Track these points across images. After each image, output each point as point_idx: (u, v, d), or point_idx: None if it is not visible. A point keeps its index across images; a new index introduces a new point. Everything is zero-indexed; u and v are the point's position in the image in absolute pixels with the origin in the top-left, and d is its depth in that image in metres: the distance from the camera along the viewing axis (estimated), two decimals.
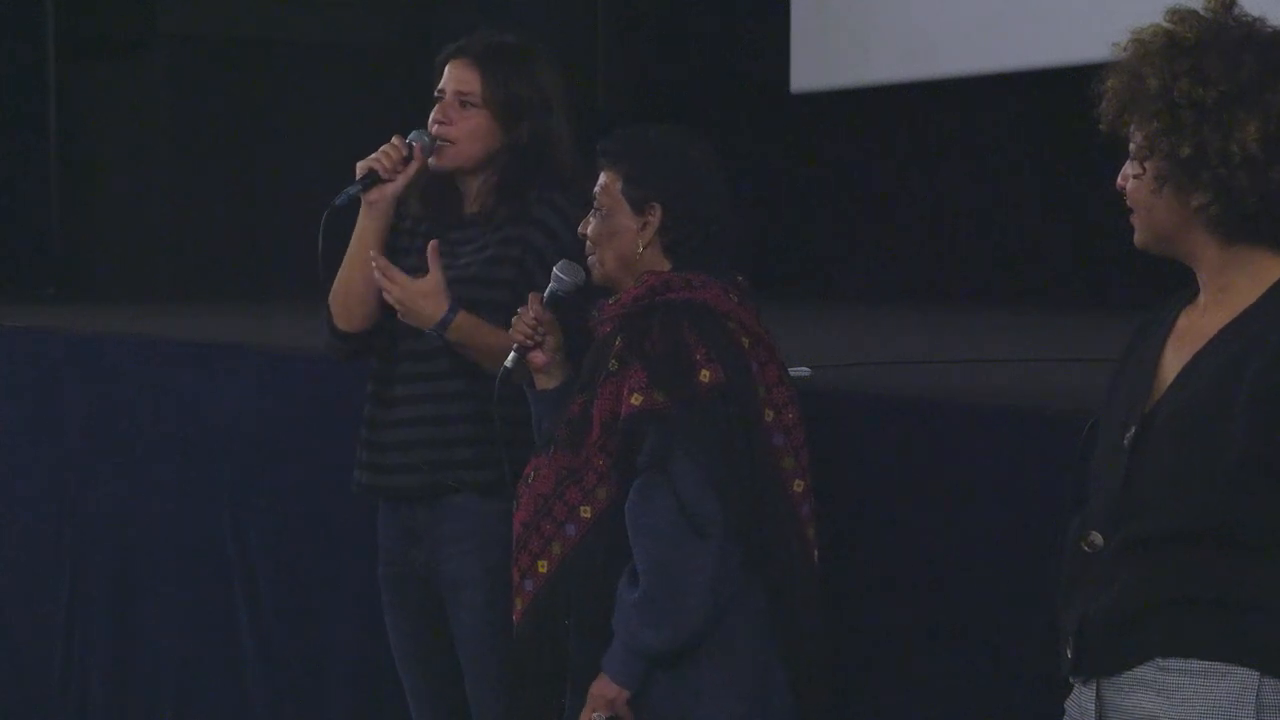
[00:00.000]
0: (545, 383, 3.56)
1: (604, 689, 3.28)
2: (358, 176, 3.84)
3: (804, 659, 3.34)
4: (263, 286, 9.15)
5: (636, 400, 3.26)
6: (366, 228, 3.86)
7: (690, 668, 3.28)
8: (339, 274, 3.90)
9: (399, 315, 3.76)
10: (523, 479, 3.44)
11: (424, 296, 3.71)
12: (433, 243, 3.73)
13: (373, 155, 3.85)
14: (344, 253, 3.89)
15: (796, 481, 3.35)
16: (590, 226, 3.45)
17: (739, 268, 3.46)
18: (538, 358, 3.54)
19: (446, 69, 3.86)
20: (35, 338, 6.73)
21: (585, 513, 3.34)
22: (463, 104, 3.81)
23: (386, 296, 3.74)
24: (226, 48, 9.92)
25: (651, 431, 3.24)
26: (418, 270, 3.78)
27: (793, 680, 3.33)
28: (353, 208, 3.86)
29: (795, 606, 3.33)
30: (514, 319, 3.55)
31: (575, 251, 3.55)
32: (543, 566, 3.38)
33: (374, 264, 3.74)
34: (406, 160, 3.83)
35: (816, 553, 3.38)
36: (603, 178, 3.45)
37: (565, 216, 3.70)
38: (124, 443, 5.93)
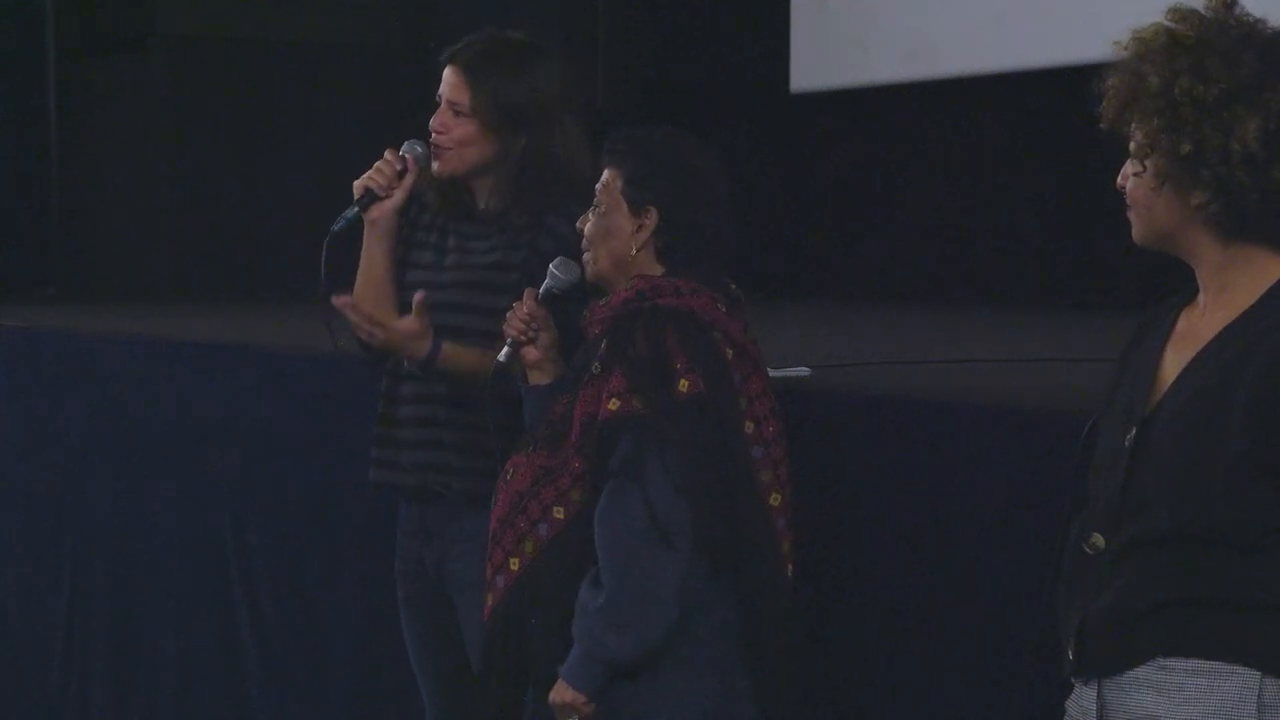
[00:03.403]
0: (538, 379, 3.56)
1: (563, 694, 3.28)
2: (356, 197, 3.84)
3: (770, 672, 3.32)
4: (263, 286, 9.15)
5: (613, 405, 3.25)
6: (373, 248, 3.87)
7: (652, 676, 3.26)
8: (354, 294, 3.88)
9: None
10: (501, 475, 3.45)
11: (410, 339, 3.72)
12: (418, 296, 3.72)
13: (367, 173, 3.85)
14: (347, 271, 3.89)
15: (774, 495, 3.33)
16: (588, 224, 3.45)
17: (733, 275, 3.46)
18: (531, 353, 3.54)
19: (444, 73, 3.86)
20: (35, 338, 6.73)
21: (559, 513, 3.34)
22: (455, 113, 3.81)
23: (372, 340, 3.75)
24: (226, 48, 9.92)
25: (626, 437, 3.24)
26: (434, 264, 3.83)
27: (757, 692, 3.32)
28: (354, 230, 3.86)
29: (763, 619, 3.31)
30: (508, 314, 3.55)
31: (579, 256, 3.55)
32: (515, 564, 3.38)
33: (354, 313, 3.74)
34: (401, 174, 3.84)
35: (791, 567, 3.36)
36: (606, 174, 3.44)
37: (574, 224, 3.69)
38: (124, 443, 5.93)
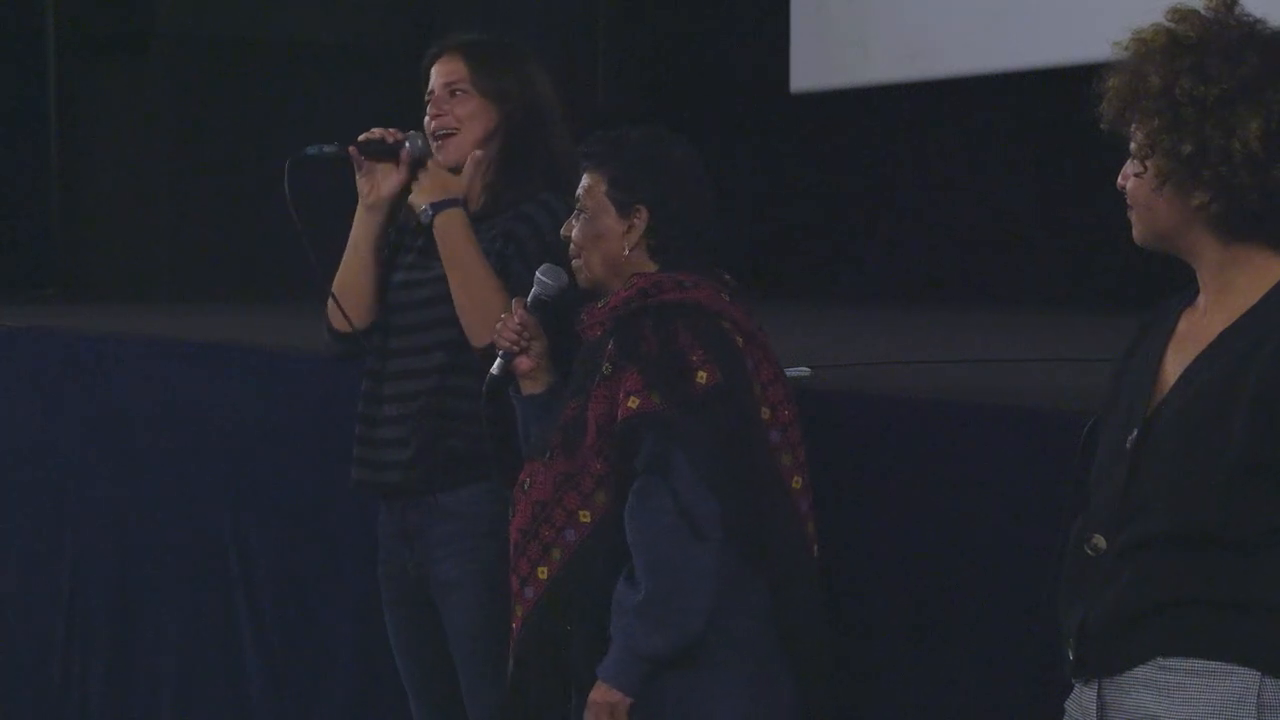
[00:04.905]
0: (532, 388, 3.55)
1: (605, 695, 3.27)
2: (359, 140, 3.86)
3: (807, 654, 3.34)
4: (263, 286, 9.15)
5: (633, 403, 3.25)
6: (363, 230, 3.87)
7: (694, 669, 3.27)
8: (337, 275, 3.90)
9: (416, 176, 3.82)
10: (519, 485, 3.44)
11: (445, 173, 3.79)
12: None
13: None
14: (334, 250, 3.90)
15: (795, 478, 3.36)
16: (574, 230, 3.45)
17: (726, 266, 3.46)
18: (523, 363, 3.54)
19: (433, 70, 3.89)
20: (35, 338, 6.73)
21: (584, 518, 3.34)
22: (452, 93, 3.83)
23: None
24: (226, 48, 9.91)
25: (649, 434, 3.24)
26: (418, 264, 3.84)
27: (796, 675, 3.33)
28: (316, 166, 3.86)
29: (797, 602, 3.33)
30: (497, 325, 3.55)
31: (557, 247, 3.55)
32: (543, 573, 3.37)
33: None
34: (396, 146, 3.83)
35: (816, 548, 3.38)
36: (586, 180, 3.44)
37: (552, 213, 3.70)
38: (124, 443, 5.92)
